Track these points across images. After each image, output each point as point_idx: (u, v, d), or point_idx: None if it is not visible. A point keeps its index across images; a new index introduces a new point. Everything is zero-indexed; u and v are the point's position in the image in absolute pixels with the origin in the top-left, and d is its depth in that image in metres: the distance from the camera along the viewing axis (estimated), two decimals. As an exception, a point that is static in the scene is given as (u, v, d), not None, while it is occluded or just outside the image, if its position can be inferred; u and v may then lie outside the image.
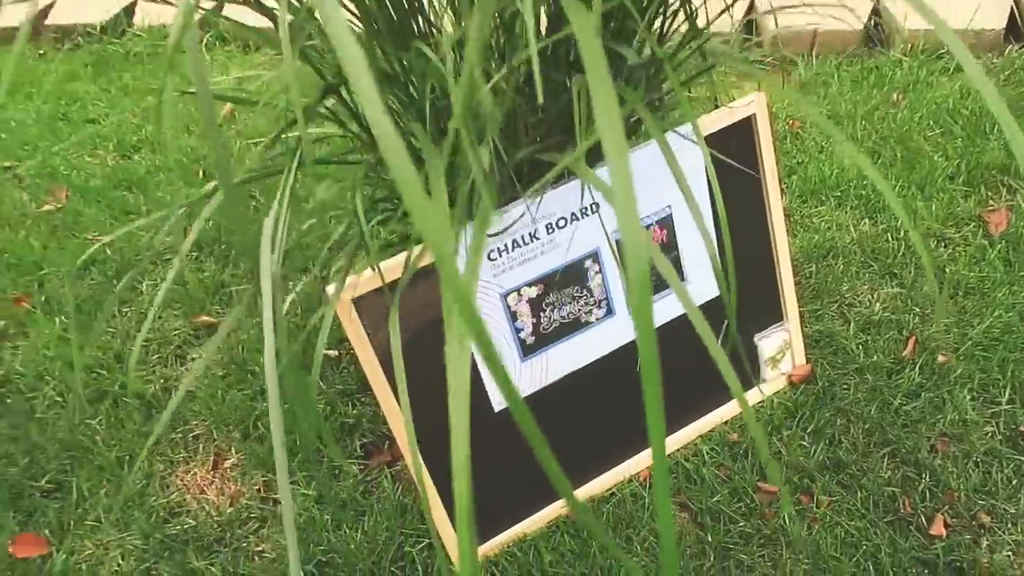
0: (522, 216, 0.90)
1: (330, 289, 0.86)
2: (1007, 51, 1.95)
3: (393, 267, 0.88)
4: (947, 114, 1.74)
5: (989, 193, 1.51)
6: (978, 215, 1.44)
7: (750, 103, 1.02)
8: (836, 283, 1.35)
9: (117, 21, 2.42)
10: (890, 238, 1.43)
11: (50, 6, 2.49)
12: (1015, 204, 1.47)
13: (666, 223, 1.03)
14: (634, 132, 1.03)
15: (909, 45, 2.00)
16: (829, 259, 1.40)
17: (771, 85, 0.70)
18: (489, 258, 0.92)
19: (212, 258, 1.53)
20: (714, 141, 1.01)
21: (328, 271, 0.94)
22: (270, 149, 0.81)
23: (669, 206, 1.02)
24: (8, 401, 1.31)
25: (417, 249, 0.79)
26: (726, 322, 1.11)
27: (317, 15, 0.64)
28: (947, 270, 1.35)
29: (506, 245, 0.92)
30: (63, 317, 1.44)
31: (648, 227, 1.02)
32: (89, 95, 2.15)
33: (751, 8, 2.16)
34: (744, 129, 1.04)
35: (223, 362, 1.33)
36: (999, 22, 1.98)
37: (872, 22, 2.09)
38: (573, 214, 0.95)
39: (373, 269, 0.86)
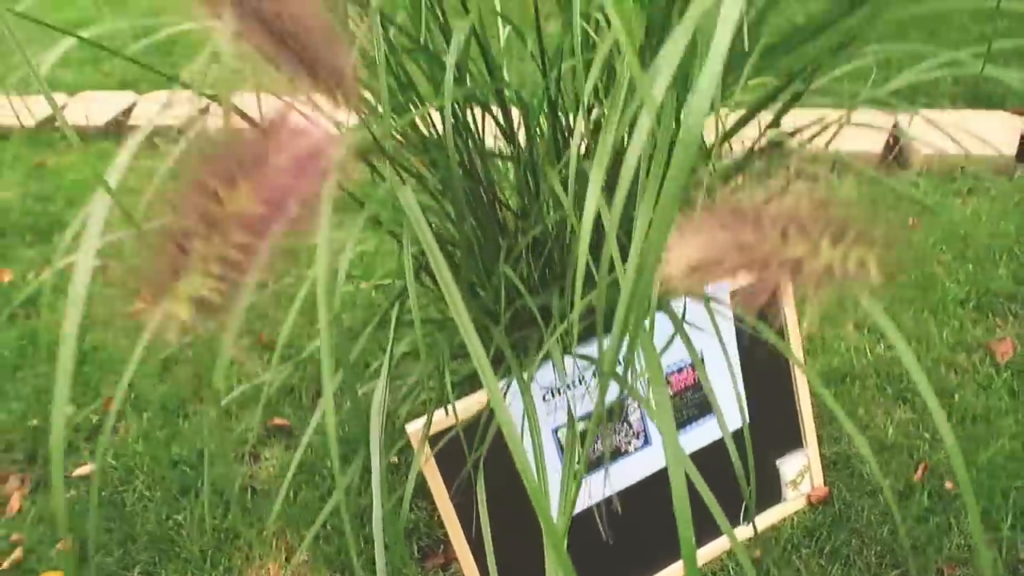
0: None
1: (411, 428, 1.01)
2: (1016, 177, 2.09)
3: (468, 407, 1.02)
4: (959, 238, 1.87)
5: (997, 320, 1.63)
6: (985, 344, 1.57)
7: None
8: (853, 406, 1.48)
9: (191, 123, 2.65)
10: (903, 363, 1.55)
11: (132, 106, 2.73)
12: (1022, 333, 1.59)
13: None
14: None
15: (925, 167, 2.15)
16: (846, 382, 1.52)
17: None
18: (544, 400, 1.07)
19: (283, 361, 1.69)
20: (740, 293, 1.16)
21: (405, 405, 1.09)
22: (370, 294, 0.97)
23: (701, 350, 1.16)
24: (103, 493, 1.46)
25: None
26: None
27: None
28: (955, 396, 1.46)
29: (558, 388, 1.07)
30: (149, 413, 1.60)
31: (681, 370, 1.16)
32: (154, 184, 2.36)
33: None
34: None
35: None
36: (1010, 147, 2.13)
37: (890, 143, 2.25)
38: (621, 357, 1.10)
39: (447, 412, 1.01)
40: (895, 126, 2.27)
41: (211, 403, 1.49)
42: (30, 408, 1.66)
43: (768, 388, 1.25)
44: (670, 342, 1.07)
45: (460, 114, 0.94)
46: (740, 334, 1.18)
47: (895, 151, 2.23)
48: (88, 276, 0.46)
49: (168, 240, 0.23)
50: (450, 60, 0.73)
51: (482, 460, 0.99)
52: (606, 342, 0.93)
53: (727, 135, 0.95)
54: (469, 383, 1.11)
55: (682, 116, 0.32)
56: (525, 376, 0.86)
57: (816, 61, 0.76)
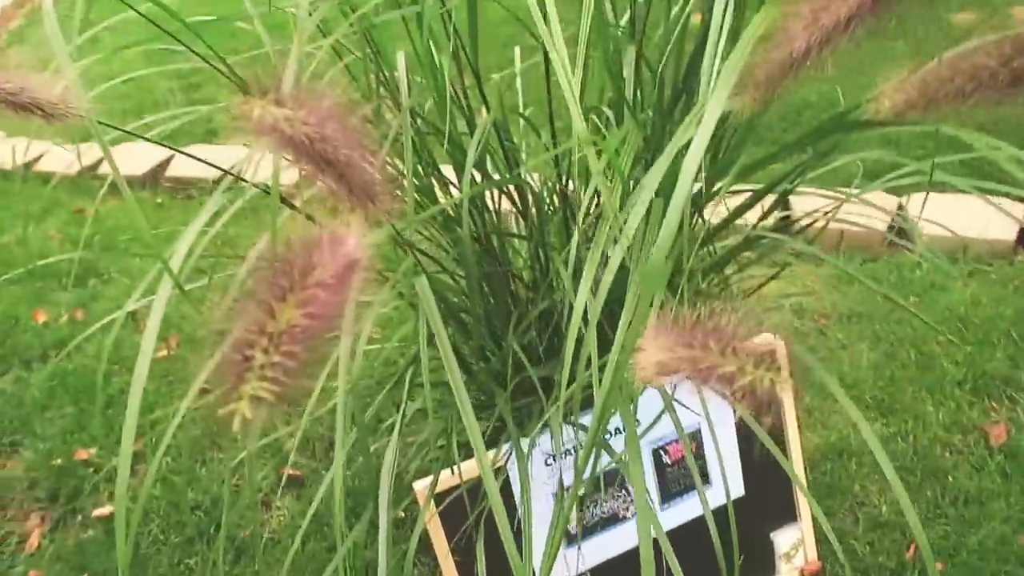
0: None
1: (418, 486, 1.06)
2: (1016, 261, 2.15)
3: (473, 467, 1.08)
4: (959, 320, 1.92)
5: (992, 403, 1.67)
6: (980, 426, 1.60)
7: (775, 346, 1.23)
8: (849, 481, 1.51)
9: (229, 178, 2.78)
10: (899, 441, 1.59)
11: (170, 158, 2.86)
12: (1015, 416, 1.63)
13: (695, 436, 1.22)
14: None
15: (924, 248, 2.21)
16: (843, 458, 1.56)
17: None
18: (546, 464, 1.13)
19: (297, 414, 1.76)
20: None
21: (414, 462, 1.15)
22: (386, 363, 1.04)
23: (697, 423, 1.22)
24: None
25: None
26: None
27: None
28: (949, 477, 1.50)
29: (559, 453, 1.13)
30: (169, 459, 1.67)
31: (679, 440, 1.21)
32: (200, 246, 2.47)
33: (783, 204, 2.40)
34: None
35: (304, 513, 1.53)
36: (1009, 233, 2.19)
37: (895, 225, 2.32)
38: (616, 427, 1.15)
39: (453, 472, 1.07)
40: (900, 207, 2.34)
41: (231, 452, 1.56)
42: (55, 448, 1.73)
43: (763, 460, 1.30)
44: (660, 416, 1.13)
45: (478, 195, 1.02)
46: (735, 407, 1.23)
47: (898, 232, 2.29)
48: (154, 339, 0.53)
49: (234, 350, 0.30)
50: (470, 153, 0.82)
51: (483, 520, 1.05)
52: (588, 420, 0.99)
53: (724, 224, 1.03)
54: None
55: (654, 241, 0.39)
56: (526, 444, 0.93)
57: (803, 166, 0.84)
